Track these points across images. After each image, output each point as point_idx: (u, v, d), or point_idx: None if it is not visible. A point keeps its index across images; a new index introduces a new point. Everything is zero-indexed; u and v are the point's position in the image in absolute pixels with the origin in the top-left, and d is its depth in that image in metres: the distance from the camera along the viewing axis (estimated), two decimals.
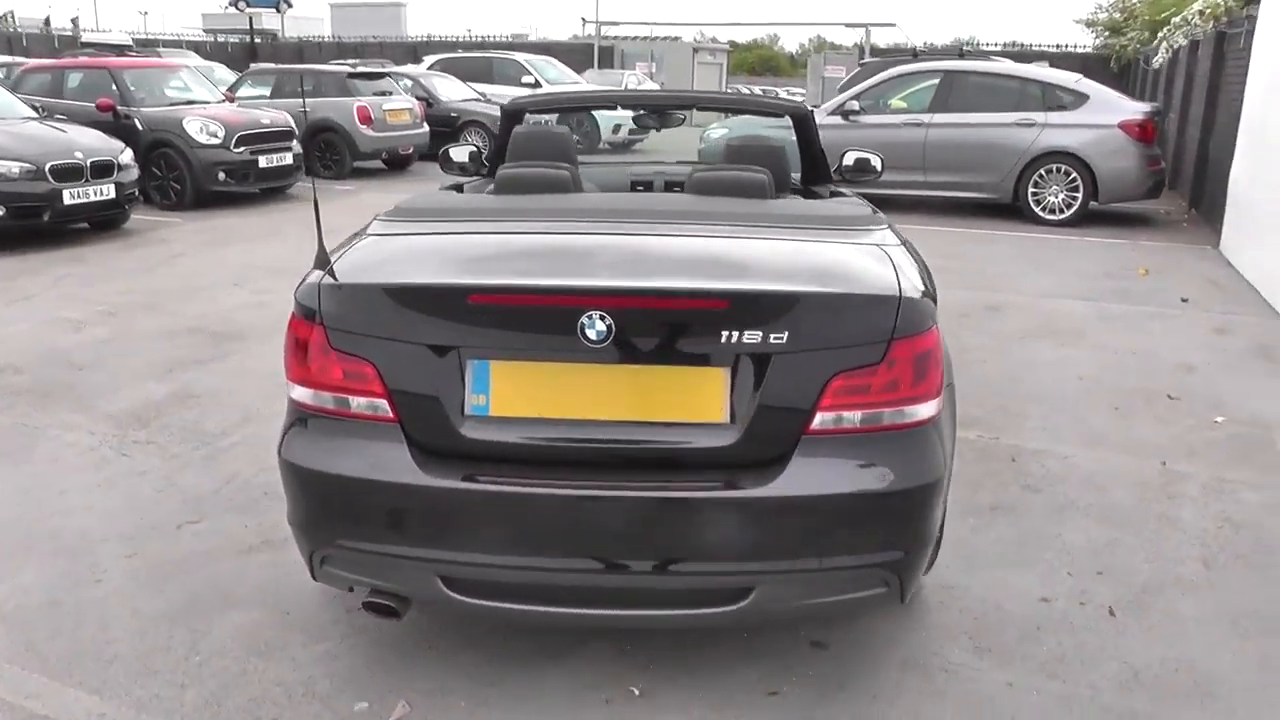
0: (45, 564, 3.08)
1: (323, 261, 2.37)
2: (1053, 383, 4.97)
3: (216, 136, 9.56)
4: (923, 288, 2.29)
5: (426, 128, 13.70)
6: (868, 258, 2.35)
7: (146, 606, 2.85)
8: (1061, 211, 10.05)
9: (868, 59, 21.93)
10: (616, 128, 18.22)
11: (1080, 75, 10.65)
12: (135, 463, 3.84)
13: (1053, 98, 10.21)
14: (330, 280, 2.22)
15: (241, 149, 9.69)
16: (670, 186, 4.29)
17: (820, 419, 2.15)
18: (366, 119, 12.27)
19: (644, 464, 2.15)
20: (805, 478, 2.12)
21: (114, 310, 6.03)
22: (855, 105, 10.94)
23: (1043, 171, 10.10)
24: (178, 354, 5.21)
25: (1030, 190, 10.15)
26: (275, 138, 10.07)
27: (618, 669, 2.56)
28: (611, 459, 2.15)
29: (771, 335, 2.08)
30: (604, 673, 2.54)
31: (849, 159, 4.09)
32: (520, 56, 19.38)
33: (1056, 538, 3.37)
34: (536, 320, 2.11)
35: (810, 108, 4.31)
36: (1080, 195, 9.94)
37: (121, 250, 7.96)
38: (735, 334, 2.07)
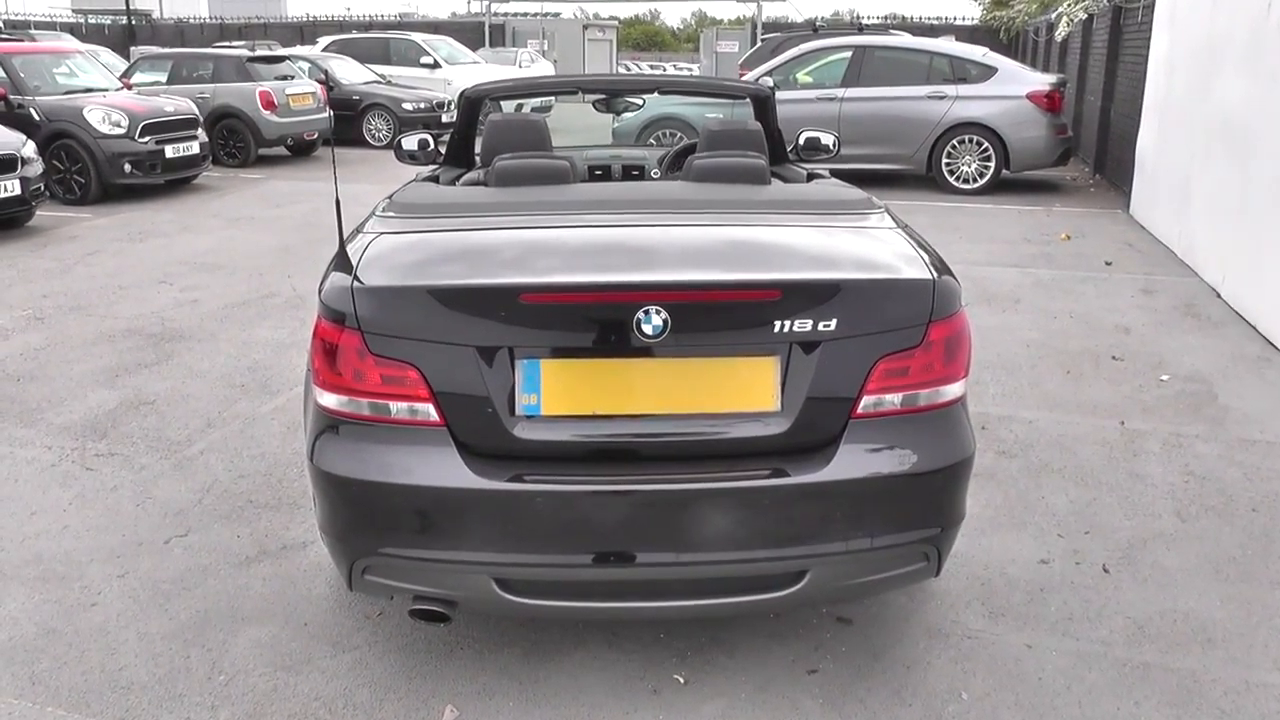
0: (31, 591, 2.91)
1: (344, 263, 2.29)
2: (1002, 349, 5.16)
3: (120, 126, 9.07)
4: (947, 270, 2.35)
5: (330, 112, 13.29)
6: (895, 243, 2.40)
7: (152, 628, 2.73)
8: (975, 181, 10.39)
9: (767, 35, 22.14)
10: (519, 106, 18.02)
11: (987, 49, 11.00)
12: (104, 477, 3.65)
13: (962, 71, 10.52)
14: (365, 283, 2.15)
15: (147, 139, 9.21)
16: (629, 172, 4.27)
17: (865, 402, 2.19)
18: (270, 104, 11.81)
19: (698, 455, 2.16)
20: (855, 461, 2.17)
21: (40, 315, 5.70)
22: (769, 81, 11.06)
23: (955, 142, 10.41)
24: (119, 358, 4.96)
25: (944, 161, 10.46)
26: (180, 126, 9.61)
27: (656, 659, 2.57)
28: (665, 452, 2.15)
29: (821, 323, 2.11)
30: (644, 664, 2.55)
31: (803, 139, 4.14)
32: (417, 37, 18.90)
33: (1040, 500, 3.52)
34: (591, 317, 2.09)
35: (770, 88, 4.35)
36: (993, 164, 10.29)
37: (32, 250, 7.50)
38: (787, 323, 2.10)
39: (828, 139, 4.29)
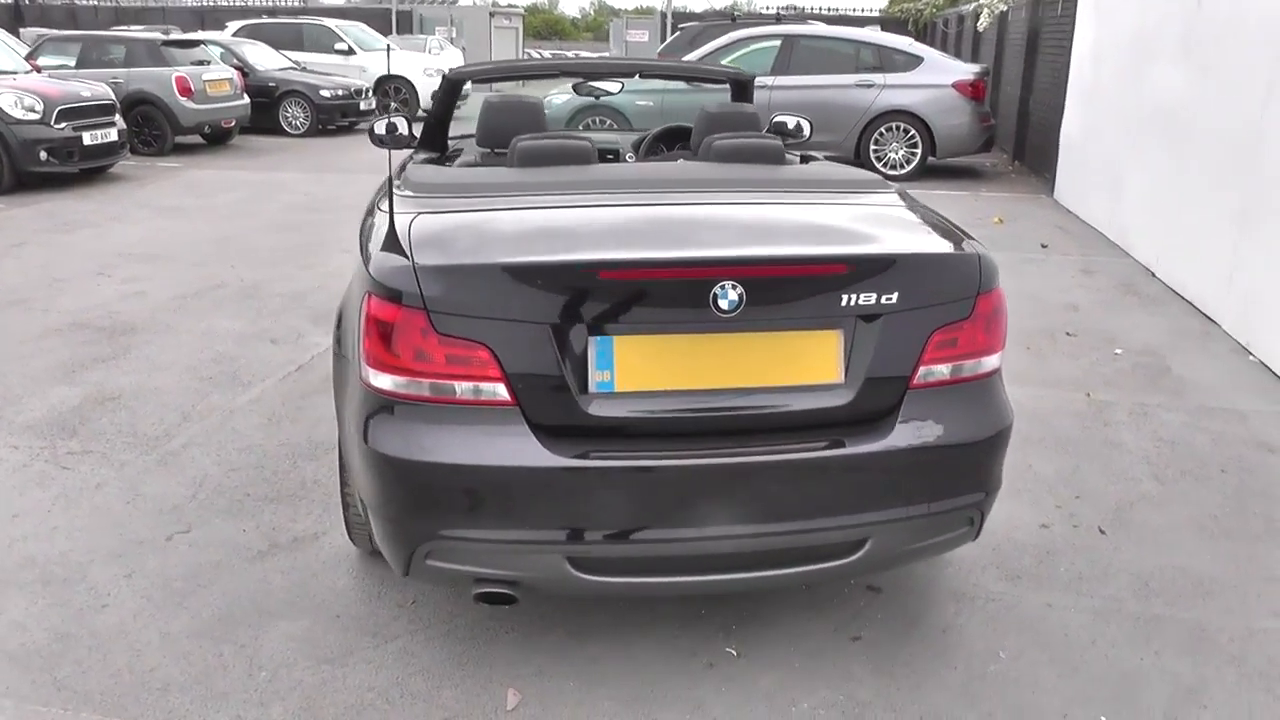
0: (33, 595, 2.76)
1: (393, 243, 2.24)
2: None
3: (35, 111, 8.57)
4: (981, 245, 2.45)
5: (247, 99, 12.86)
6: (931, 219, 2.48)
7: (174, 627, 2.62)
8: (902, 167, 10.67)
9: (684, 24, 22.25)
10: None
11: (912, 39, 11.29)
12: (83, 475, 3.48)
13: (889, 60, 10.79)
14: (431, 262, 2.10)
15: (63, 125, 8.73)
16: (604, 155, 4.27)
17: (921, 373, 2.26)
18: (186, 91, 11.35)
19: (765, 428, 2.19)
20: (913, 430, 2.23)
21: None
22: None
23: (883, 129, 10.68)
24: (72, 353, 4.73)
25: (872, 147, 10.72)
26: (98, 112, 9.14)
27: (705, 634, 2.60)
28: (734, 425, 2.17)
29: (883, 296, 2.16)
30: (694, 639, 2.58)
31: (774, 121, 4.19)
32: (330, 22, 18.41)
33: (1029, 469, 3.66)
34: (668, 293, 2.09)
35: (751, 75, 4.40)
36: (919, 151, 10.59)
37: None
38: (853, 296, 2.14)
39: (804, 123, 4.37)
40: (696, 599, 2.71)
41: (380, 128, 4.16)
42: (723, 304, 2.06)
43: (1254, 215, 5.05)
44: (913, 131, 10.57)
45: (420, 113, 17.87)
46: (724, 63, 11.67)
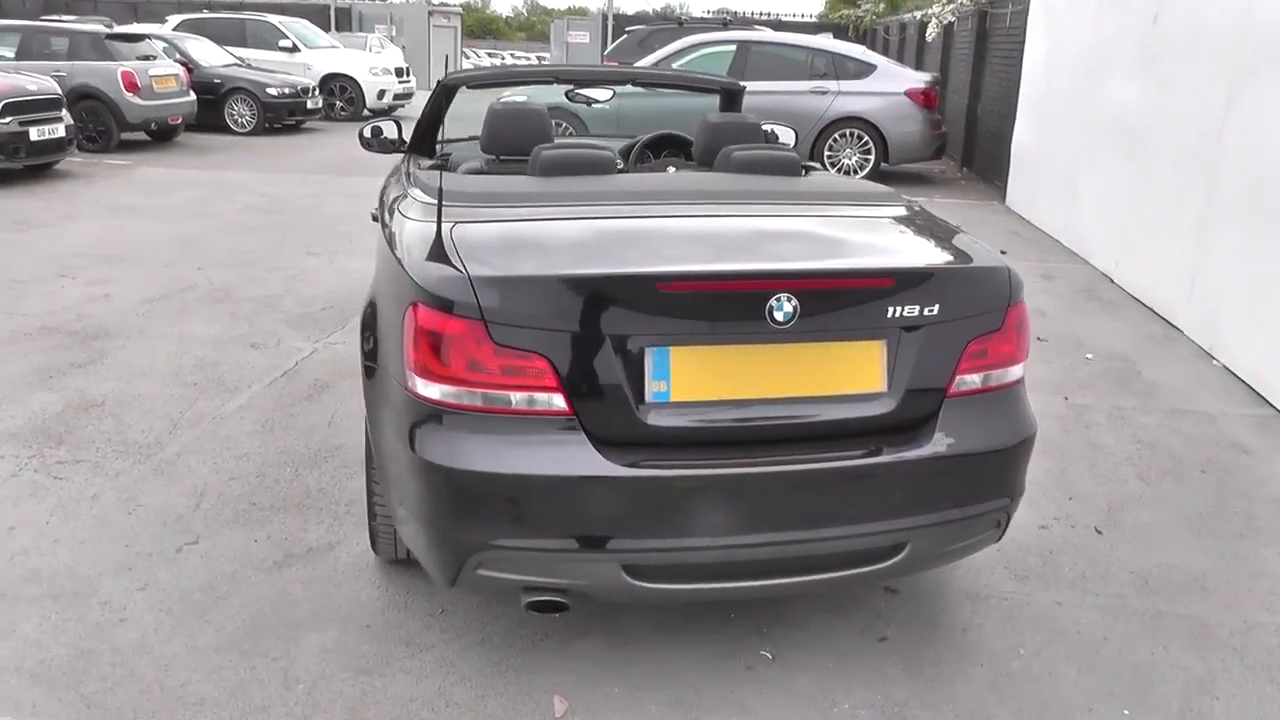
0: (45, 610, 2.68)
1: (440, 252, 2.24)
2: None
3: None
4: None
5: (194, 96, 12.55)
6: (961, 233, 2.56)
7: (200, 641, 2.57)
8: (856, 172, 10.86)
9: (632, 26, 22.31)
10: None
11: (865, 47, 11.51)
12: (77, 485, 3.39)
13: (842, 67, 10.98)
14: (486, 272, 2.11)
15: (8, 119, 8.43)
16: None
17: (957, 382, 2.33)
18: (133, 86, 11.03)
19: (812, 437, 2.23)
20: (950, 437, 2.30)
21: None
22: None
23: (837, 136, 10.87)
24: (46, 358, 4.58)
25: (826, 153, 10.90)
26: (45, 107, 8.84)
27: (738, 638, 2.64)
28: (783, 434, 2.22)
29: (926, 308, 2.23)
30: (729, 643, 2.61)
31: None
32: (273, 19, 18.06)
33: None
34: (725, 304, 2.13)
35: (741, 85, 4.46)
36: (872, 157, 10.80)
37: None
38: (898, 308, 2.20)
39: (789, 134, 4.45)
40: (725, 603, 2.75)
41: (377, 131, 4.16)
42: (778, 315, 2.10)
43: (1215, 224, 5.27)
44: (866, 138, 10.77)
45: (365, 112, 17.65)
46: (675, 67, 11.78)
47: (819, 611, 2.78)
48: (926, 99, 10.69)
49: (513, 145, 3.36)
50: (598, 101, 4.66)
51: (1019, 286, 2.45)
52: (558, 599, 2.21)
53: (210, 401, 4.17)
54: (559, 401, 2.10)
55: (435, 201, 2.58)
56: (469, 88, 4.15)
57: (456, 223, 2.39)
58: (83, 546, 3.01)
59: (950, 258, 2.41)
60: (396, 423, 2.27)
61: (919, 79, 10.95)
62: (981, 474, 2.40)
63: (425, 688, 2.41)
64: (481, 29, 76.56)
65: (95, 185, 9.25)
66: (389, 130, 4.27)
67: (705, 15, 28.10)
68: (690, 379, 2.15)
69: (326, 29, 26.16)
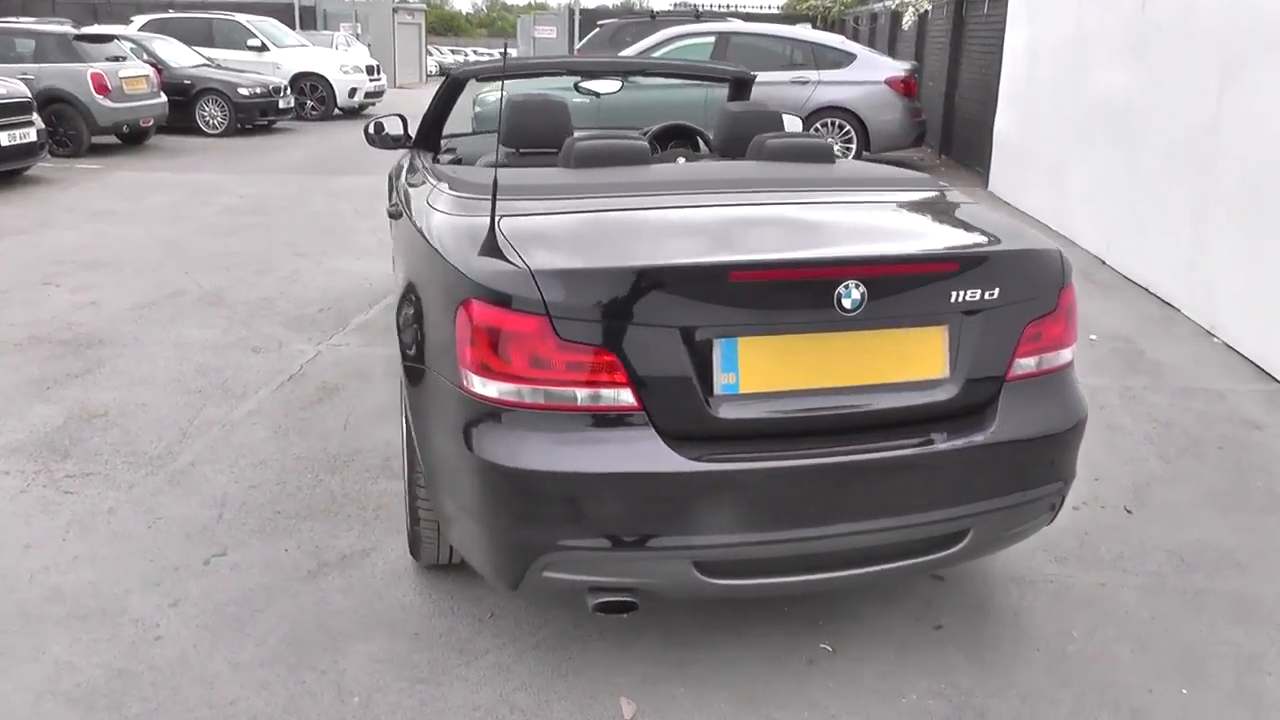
0: (73, 630, 2.59)
1: (493, 246, 2.18)
2: None
3: None
4: None
5: (165, 97, 12.32)
6: (1004, 216, 2.54)
7: (243, 656, 2.49)
8: None
9: (603, 20, 22.21)
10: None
11: (844, 37, 11.52)
12: (90, 499, 3.28)
13: (822, 57, 10.99)
14: (549, 266, 2.05)
15: None
16: None
17: (1015, 366, 2.31)
18: (103, 88, 10.80)
19: (879, 424, 2.20)
20: (1012, 421, 2.28)
21: None
22: None
23: (818, 125, 10.87)
24: (41, 369, 4.45)
25: None
26: (14, 110, 8.60)
27: (795, 631, 2.60)
28: (851, 423, 2.18)
29: (986, 292, 2.21)
30: (787, 637, 2.58)
31: None
32: (241, 18, 17.78)
33: None
34: (794, 293, 2.09)
35: (752, 74, 4.43)
36: (854, 146, 10.82)
37: None
38: (961, 293, 2.18)
39: (793, 123, 4.42)
40: (778, 597, 2.71)
41: (387, 126, 4.10)
42: (846, 303, 2.06)
43: (1213, 206, 5.32)
44: (848, 127, 10.79)
45: (336, 111, 17.44)
46: (656, 58, 11.74)
47: (870, 601, 2.75)
48: (906, 87, 10.73)
49: (534, 138, 3.30)
50: (606, 93, 4.61)
51: (1070, 269, 2.44)
52: (627, 599, 2.17)
53: (218, 408, 4.07)
54: (627, 396, 2.05)
55: (473, 195, 2.52)
56: (478, 80, 4.09)
57: (503, 216, 2.33)
58: (105, 562, 2.91)
59: (1004, 241, 2.39)
60: (449, 424, 2.21)
61: (898, 68, 10.98)
62: (1039, 459, 2.38)
63: (486, 695, 2.35)
64: (443, 26, 76.01)
65: (69, 190, 9.03)
66: (391, 126, 4.21)
67: (674, 8, 28.09)
68: (758, 370, 2.11)
69: (291, 27, 25.86)
